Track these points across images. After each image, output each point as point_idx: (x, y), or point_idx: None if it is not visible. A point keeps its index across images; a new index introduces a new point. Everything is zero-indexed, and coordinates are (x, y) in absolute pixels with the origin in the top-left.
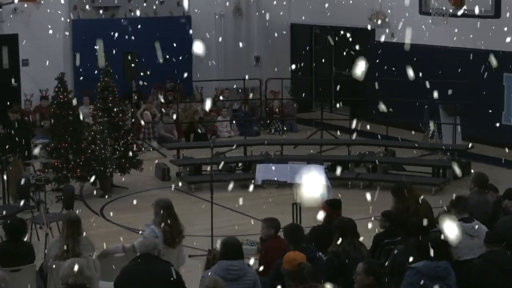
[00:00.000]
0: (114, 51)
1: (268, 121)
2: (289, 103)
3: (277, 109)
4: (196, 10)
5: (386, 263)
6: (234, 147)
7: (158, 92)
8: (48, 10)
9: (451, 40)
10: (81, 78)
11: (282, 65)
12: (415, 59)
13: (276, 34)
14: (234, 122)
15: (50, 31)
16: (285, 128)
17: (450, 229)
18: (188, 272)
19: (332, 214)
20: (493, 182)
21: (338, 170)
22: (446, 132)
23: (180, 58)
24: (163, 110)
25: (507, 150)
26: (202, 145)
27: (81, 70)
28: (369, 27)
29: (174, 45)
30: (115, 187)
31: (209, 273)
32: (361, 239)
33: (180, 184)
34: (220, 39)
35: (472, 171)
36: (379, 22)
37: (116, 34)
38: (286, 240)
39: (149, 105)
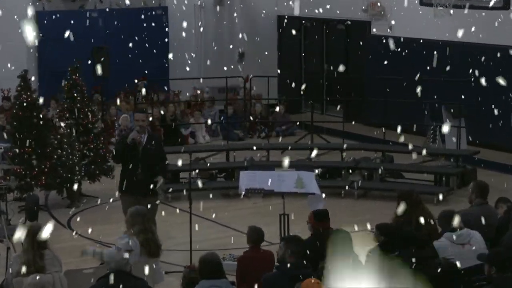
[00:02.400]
0: (82, 46)
1: (253, 125)
2: (279, 113)
3: (259, 114)
4: (173, 0)
5: None
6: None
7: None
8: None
9: (455, 34)
10: (46, 75)
11: (268, 62)
12: (414, 54)
13: (261, 28)
14: (212, 124)
15: (12, 24)
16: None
17: None
18: None
19: (317, 225)
20: (501, 191)
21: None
22: (449, 136)
23: (155, 53)
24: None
25: None
26: (179, 150)
27: (46, 67)
28: (364, 19)
29: (149, 39)
30: (84, 196)
31: None
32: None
33: None
34: (199, 32)
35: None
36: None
37: (85, 27)
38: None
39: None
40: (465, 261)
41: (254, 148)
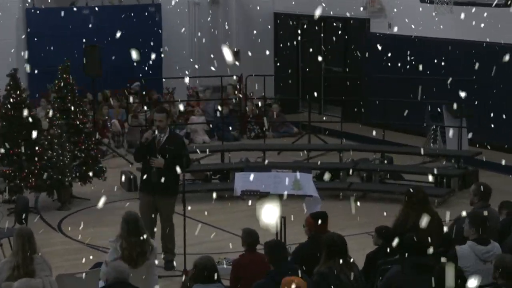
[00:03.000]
0: (73, 44)
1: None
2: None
3: (250, 113)
4: None
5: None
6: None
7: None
8: None
9: (456, 32)
10: (36, 73)
11: (264, 61)
12: (415, 53)
13: (258, 26)
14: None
15: (1, 21)
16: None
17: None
18: None
19: (317, 228)
20: (504, 194)
21: (326, 176)
22: (450, 136)
23: (148, 52)
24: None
25: None
26: None
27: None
28: (363, 16)
29: (142, 37)
30: (75, 199)
31: None
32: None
33: None
34: (194, 30)
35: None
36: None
37: (76, 25)
38: (267, 257)
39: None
40: (481, 279)
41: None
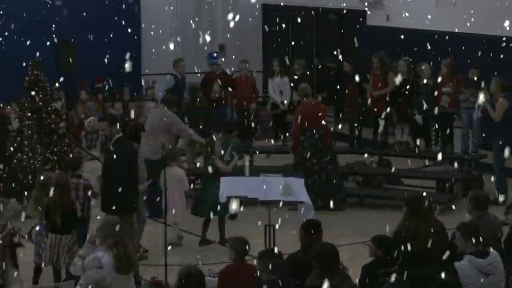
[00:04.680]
0: (45, 38)
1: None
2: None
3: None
4: None
5: None
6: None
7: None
8: None
9: (459, 25)
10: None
11: (252, 55)
12: (415, 47)
13: (244, 17)
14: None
15: None
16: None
17: None
18: None
19: (311, 239)
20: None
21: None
22: (454, 138)
23: (126, 47)
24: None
25: None
26: None
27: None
28: (359, 8)
29: (119, 31)
30: None
31: None
32: (350, 271)
33: None
34: (176, 22)
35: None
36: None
37: (49, 18)
38: (258, 267)
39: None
40: None
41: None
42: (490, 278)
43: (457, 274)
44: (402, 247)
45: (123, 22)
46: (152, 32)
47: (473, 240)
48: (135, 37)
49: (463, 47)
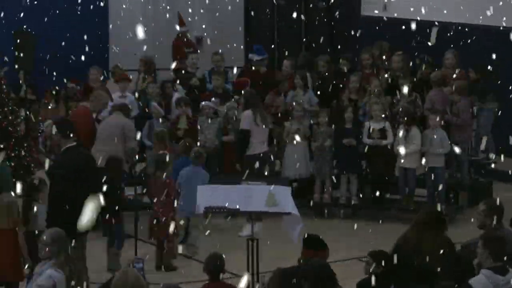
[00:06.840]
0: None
1: None
2: None
3: None
4: None
5: None
6: None
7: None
8: None
9: (463, 15)
10: None
11: (233, 49)
12: (415, 39)
13: (225, 7)
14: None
15: None
16: None
17: None
18: None
19: (316, 256)
20: None
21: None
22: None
23: (93, 41)
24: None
25: None
26: None
27: None
28: None
29: (85, 23)
30: None
31: None
32: None
33: None
34: (149, 15)
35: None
36: None
37: (4, 7)
38: None
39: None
40: None
41: None
42: None
43: None
44: (402, 262)
45: (89, 15)
46: (120, 26)
47: (496, 255)
48: (103, 31)
49: (466, 40)
